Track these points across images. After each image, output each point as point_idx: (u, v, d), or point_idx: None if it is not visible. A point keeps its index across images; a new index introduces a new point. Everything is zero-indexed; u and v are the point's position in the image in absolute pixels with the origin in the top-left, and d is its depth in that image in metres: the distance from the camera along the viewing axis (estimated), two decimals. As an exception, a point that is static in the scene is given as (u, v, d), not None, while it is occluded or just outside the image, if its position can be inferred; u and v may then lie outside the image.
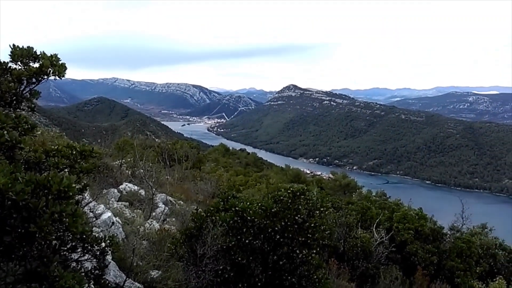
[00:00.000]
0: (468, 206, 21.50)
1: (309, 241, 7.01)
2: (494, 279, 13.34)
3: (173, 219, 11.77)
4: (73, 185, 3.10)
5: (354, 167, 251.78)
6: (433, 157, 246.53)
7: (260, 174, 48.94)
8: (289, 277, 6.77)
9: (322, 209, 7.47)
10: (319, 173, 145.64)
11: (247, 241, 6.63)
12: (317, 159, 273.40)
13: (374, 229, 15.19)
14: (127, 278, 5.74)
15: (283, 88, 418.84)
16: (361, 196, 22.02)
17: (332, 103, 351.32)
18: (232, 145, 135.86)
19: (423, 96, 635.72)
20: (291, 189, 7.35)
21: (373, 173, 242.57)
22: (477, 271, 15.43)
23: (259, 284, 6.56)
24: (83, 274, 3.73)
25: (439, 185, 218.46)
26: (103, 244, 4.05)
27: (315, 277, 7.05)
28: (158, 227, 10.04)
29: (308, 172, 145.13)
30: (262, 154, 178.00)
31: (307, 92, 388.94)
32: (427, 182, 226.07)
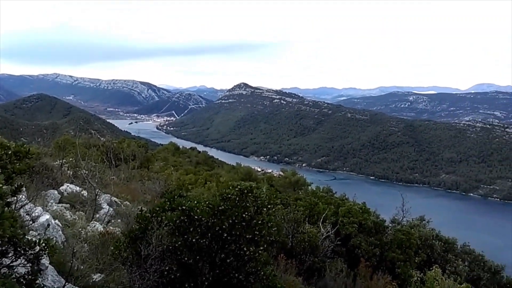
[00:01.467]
0: (408, 200, 22.66)
1: (256, 238, 7.07)
2: (431, 268, 14.22)
3: (118, 220, 11.40)
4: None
5: (304, 164, 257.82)
6: (377, 153, 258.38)
7: (211, 172, 48.62)
8: (236, 275, 6.80)
9: (269, 206, 7.57)
10: (269, 170, 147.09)
11: (194, 240, 6.57)
12: (268, 156, 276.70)
13: (320, 224, 15.64)
14: (67, 283, 5.48)
15: (234, 86, 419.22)
16: (309, 192, 22.64)
17: (282, 101, 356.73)
18: (182, 143, 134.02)
19: (367, 95, 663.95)
20: (239, 186, 7.38)
21: (321, 169, 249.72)
22: (416, 261, 16.39)
23: (206, 283, 6.53)
24: (15, 279, 3.52)
25: (383, 180, 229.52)
26: (38, 248, 3.84)
27: (262, 273, 7.13)
28: (102, 229, 9.68)
29: (259, 169, 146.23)
30: (213, 152, 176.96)
31: (258, 91, 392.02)
32: (371, 177, 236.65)
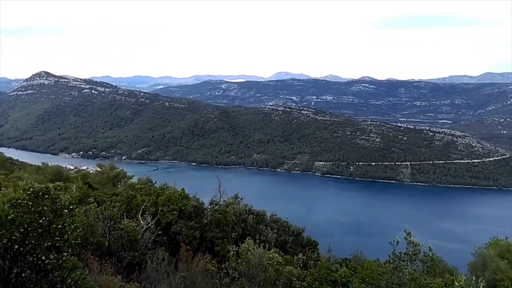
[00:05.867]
0: (224, 181, 24.10)
1: (58, 244, 6.38)
2: (245, 240, 15.60)
3: None
4: None
5: (123, 157, 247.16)
6: (197, 140, 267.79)
7: (9, 177, 41.54)
8: (37, 288, 6.02)
9: (71, 207, 6.91)
10: (84, 167, 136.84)
11: (-29, 260, 5.48)
12: (81, 152, 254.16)
13: (140, 217, 15.26)
14: None
15: (33, 75, 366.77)
16: (126, 186, 21.76)
17: (93, 91, 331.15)
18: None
19: (183, 84, 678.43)
20: (32, 189, 6.48)
21: (143, 161, 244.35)
22: (233, 236, 17.70)
23: (-5, 306, 5.56)
24: None
25: (204, 165, 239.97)
26: None
27: (69, 280, 6.51)
28: None
29: (71, 168, 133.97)
30: (12, 153, 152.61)
31: (63, 80, 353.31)
32: (193, 164, 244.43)
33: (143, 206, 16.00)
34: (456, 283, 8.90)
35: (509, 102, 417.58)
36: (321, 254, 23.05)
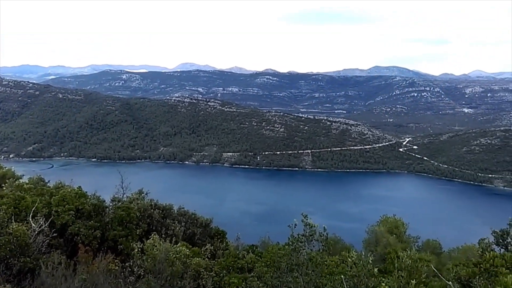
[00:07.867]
0: (128, 176, 23.09)
1: None
2: (150, 236, 15.22)
3: None
4: None
5: (11, 155, 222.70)
6: (96, 134, 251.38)
7: None
8: None
9: None
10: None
11: None
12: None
13: (31, 219, 13.95)
14: None
15: None
16: (13, 187, 19.62)
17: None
18: None
19: (79, 74, 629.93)
20: None
21: (34, 158, 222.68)
22: (138, 233, 17.11)
23: None
24: None
25: (105, 161, 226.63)
26: None
27: None
28: None
29: None
30: None
31: None
32: (93, 160, 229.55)
33: (34, 208, 14.64)
34: (349, 259, 9.77)
35: (394, 93, 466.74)
36: (230, 243, 23.53)
